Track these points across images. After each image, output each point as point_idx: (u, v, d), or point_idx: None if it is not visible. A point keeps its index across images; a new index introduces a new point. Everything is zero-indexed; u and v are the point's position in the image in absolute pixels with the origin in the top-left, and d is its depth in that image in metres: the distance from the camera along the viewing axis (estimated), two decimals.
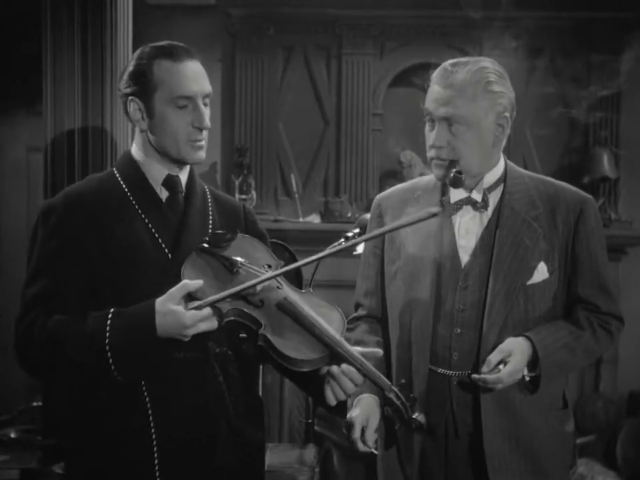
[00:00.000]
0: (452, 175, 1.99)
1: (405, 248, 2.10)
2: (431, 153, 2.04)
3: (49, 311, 1.78)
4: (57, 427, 3.12)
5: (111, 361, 1.72)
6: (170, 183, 1.91)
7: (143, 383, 1.80)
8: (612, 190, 5.22)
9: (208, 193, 2.02)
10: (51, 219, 1.83)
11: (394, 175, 5.23)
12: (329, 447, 4.06)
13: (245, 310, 1.72)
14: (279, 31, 5.28)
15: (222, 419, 1.83)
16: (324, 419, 3.97)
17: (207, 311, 1.68)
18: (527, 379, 2.03)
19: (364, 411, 2.01)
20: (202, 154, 1.90)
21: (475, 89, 1.97)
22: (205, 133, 1.88)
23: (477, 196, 2.07)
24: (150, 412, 1.80)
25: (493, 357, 1.97)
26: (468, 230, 2.07)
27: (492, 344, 2.00)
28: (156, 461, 1.79)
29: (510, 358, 1.97)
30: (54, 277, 1.79)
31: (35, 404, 4.27)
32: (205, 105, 1.89)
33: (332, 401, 1.80)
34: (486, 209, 2.07)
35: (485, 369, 1.97)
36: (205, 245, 1.79)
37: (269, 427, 4.92)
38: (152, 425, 1.80)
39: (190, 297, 1.70)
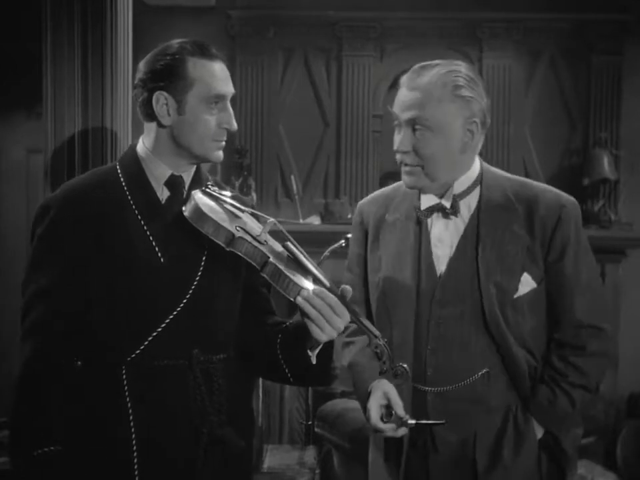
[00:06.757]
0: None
1: (385, 258, 2.05)
2: (397, 157, 2.02)
3: (48, 338, 1.77)
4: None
5: None
6: (172, 182, 1.89)
7: (125, 389, 1.79)
8: (612, 191, 5.22)
9: None
10: (48, 216, 1.81)
11: (394, 176, 5.22)
12: (329, 448, 4.05)
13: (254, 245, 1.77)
14: (279, 33, 5.29)
15: (203, 428, 1.81)
16: (324, 421, 3.96)
17: None
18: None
19: (377, 393, 1.98)
20: (221, 153, 1.91)
21: (442, 93, 1.92)
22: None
23: (447, 203, 2.01)
24: (131, 418, 1.79)
25: None
26: (441, 238, 2.01)
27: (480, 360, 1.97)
28: (135, 466, 1.78)
29: None
30: (51, 275, 1.77)
31: None
32: None
33: (321, 337, 1.73)
34: (456, 215, 2.00)
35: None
36: (209, 190, 1.90)
37: (270, 429, 4.91)
38: (133, 431, 1.78)
39: None
